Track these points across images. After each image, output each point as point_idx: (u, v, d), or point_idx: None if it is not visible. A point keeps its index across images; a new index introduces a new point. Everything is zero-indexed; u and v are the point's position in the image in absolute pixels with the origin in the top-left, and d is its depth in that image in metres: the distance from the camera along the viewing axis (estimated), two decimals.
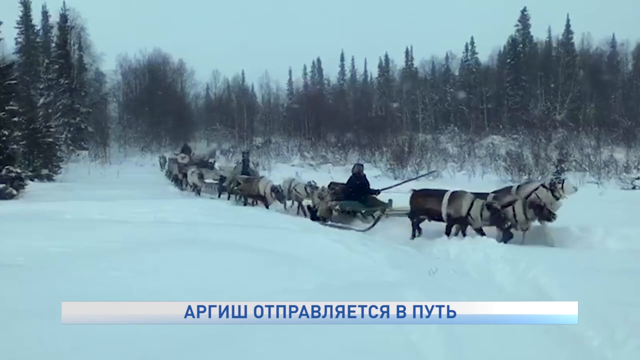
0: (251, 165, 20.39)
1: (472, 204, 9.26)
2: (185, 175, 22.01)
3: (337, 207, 12.67)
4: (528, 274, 5.91)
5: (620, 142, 30.61)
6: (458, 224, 9.66)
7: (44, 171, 26.29)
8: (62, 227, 9.04)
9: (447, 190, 9.95)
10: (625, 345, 3.84)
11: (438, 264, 6.79)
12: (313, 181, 14.16)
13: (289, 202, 14.88)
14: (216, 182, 19.27)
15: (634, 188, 16.65)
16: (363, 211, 12.36)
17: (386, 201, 12.49)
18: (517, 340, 4.10)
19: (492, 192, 10.32)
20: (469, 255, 7.47)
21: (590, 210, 10.01)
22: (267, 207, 14.54)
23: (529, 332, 4.21)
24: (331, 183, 14.13)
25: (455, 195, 9.65)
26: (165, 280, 5.41)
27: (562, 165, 22.18)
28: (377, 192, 13.02)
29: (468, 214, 9.25)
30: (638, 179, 18.45)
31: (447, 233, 9.54)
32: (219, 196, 18.01)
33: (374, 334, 4.05)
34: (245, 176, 17.26)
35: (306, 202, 14.15)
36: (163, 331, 3.94)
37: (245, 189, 15.82)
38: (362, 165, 14.34)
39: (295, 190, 14.30)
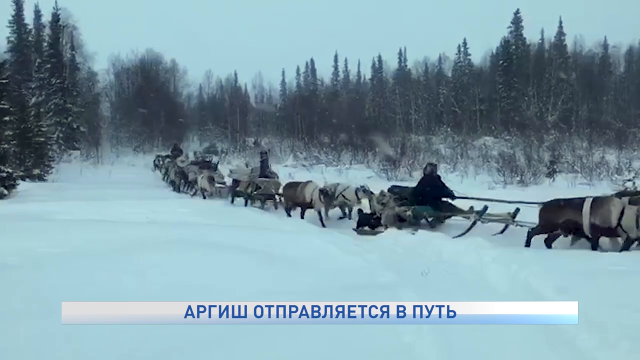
0: (271, 167, 18.15)
1: (622, 210, 7.83)
2: (185, 178, 20.88)
3: (409, 213, 10.99)
4: (520, 275, 5.93)
5: (612, 144, 30.72)
6: (605, 236, 8.24)
7: (36, 171, 26.13)
8: (54, 227, 9.03)
9: (587, 197, 8.52)
10: (618, 347, 3.85)
11: (431, 265, 6.81)
12: (365, 185, 12.53)
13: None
14: (222, 185, 17.92)
15: (625, 190, 16.70)
16: (430, 219, 11.01)
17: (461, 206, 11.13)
18: (510, 341, 4.11)
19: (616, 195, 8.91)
20: (461, 257, 7.48)
21: None
22: (322, 220, 12.45)
23: (523, 332, 4.23)
24: (393, 187, 12.58)
25: (600, 202, 8.22)
26: (157, 280, 5.40)
27: (554, 167, 22.22)
28: (453, 196, 11.37)
29: (619, 223, 7.84)
30: (629, 180, 18.51)
31: (594, 248, 8.22)
32: (232, 201, 16.25)
33: (374, 334, 4.07)
34: (265, 179, 15.64)
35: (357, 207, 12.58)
36: (163, 331, 3.94)
37: (287, 195, 13.81)
38: (435, 165, 12.86)
39: (344, 196, 12.39)
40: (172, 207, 13.25)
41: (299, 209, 13.32)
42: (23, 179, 21.73)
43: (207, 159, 23.72)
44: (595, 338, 4.04)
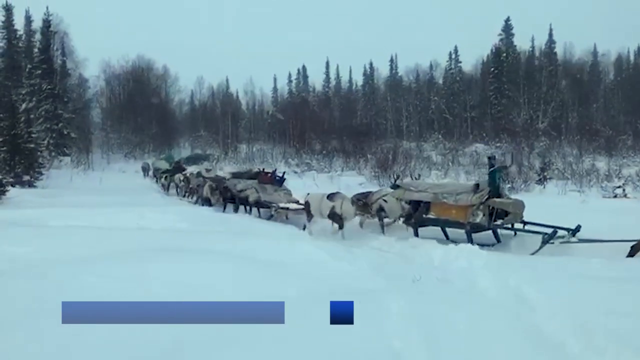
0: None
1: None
2: (225, 197, 15.38)
3: None
4: (511, 281, 5.94)
5: (602, 151, 30.97)
6: None
7: (26, 177, 26.01)
8: (44, 234, 8.95)
9: None
10: (605, 352, 3.87)
11: (422, 271, 6.81)
12: None
13: None
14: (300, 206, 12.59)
15: (615, 196, 16.83)
16: None
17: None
18: (495, 345, 4.12)
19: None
20: (452, 263, 7.50)
21: (573, 219, 10.11)
22: None
23: (510, 336, 4.24)
24: None
25: None
26: (148, 288, 5.36)
27: (545, 174, 22.35)
28: None
29: None
30: (619, 187, 18.64)
31: None
32: (417, 234, 10.21)
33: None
34: (503, 199, 9.57)
35: None
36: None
37: None
38: None
39: None
40: (162, 214, 13.16)
41: None
42: (13, 185, 21.62)
43: (267, 171, 16.50)
44: (583, 343, 4.06)
